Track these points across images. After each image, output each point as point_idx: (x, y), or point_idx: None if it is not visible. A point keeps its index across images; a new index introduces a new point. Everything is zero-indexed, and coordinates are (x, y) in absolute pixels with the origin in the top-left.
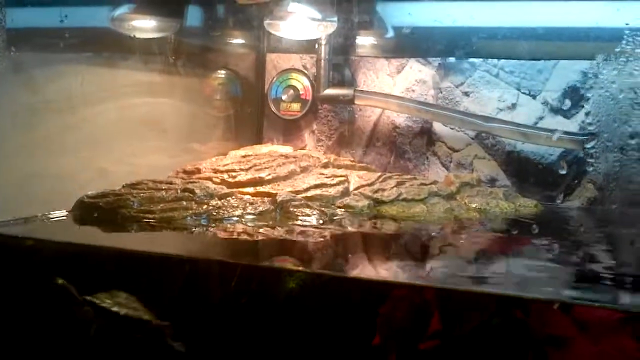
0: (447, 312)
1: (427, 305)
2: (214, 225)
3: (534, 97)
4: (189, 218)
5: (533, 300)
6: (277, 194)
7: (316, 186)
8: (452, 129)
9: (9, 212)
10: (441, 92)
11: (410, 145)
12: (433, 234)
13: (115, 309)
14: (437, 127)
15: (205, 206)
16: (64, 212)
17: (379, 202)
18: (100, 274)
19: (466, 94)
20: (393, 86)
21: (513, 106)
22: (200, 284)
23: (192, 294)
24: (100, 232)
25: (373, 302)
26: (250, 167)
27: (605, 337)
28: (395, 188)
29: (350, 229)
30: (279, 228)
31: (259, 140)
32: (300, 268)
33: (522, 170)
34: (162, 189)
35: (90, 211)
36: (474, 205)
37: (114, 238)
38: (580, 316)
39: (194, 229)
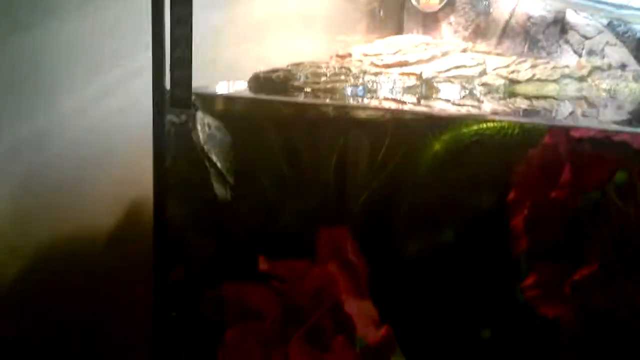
0: (578, 165)
1: (559, 159)
2: (369, 95)
3: None
4: (347, 89)
5: None
6: (422, 72)
7: (456, 67)
8: (584, 17)
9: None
10: None
11: (543, 34)
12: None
13: None
14: (570, 16)
15: (360, 80)
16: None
17: (514, 82)
18: None
19: None
20: None
21: None
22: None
23: None
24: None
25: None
26: (396, 52)
27: None
28: (529, 69)
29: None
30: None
31: (399, 32)
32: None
33: None
34: (322, 67)
35: (264, 84)
36: (604, 87)
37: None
38: None
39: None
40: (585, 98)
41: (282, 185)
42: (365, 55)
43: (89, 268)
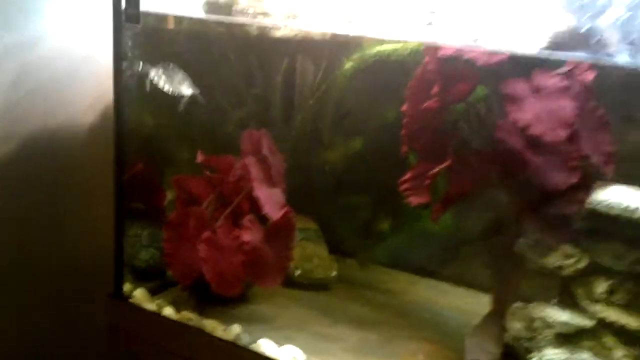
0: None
1: (432, 75)
2: None
3: None
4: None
5: None
6: None
7: None
8: None
9: None
10: None
11: None
12: None
13: None
14: None
15: None
16: None
17: None
18: None
19: None
20: None
21: None
22: None
23: None
24: None
25: None
26: None
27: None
28: None
29: None
30: None
31: None
32: None
33: None
34: None
35: (214, 7)
36: None
37: None
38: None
39: None
40: None
41: (226, 95)
42: None
43: (73, 152)
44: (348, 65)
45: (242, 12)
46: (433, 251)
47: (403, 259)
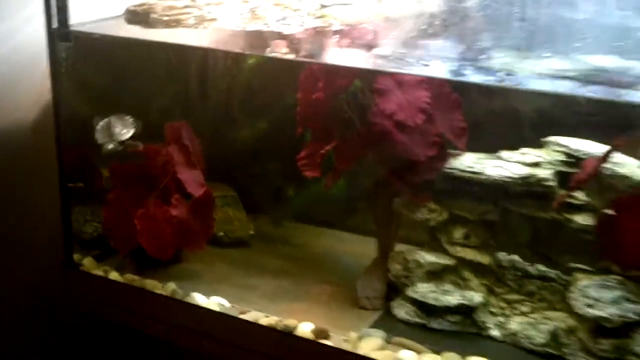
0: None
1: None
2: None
3: None
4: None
5: None
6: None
7: None
8: None
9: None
10: None
11: None
12: None
13: None
14: None
15: (202, 11)
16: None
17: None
18: None
19: None
20: None
21: None
22: None
23: None
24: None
25: None
26: None
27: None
28: None
29: None
30: None
31: None
32: None
33: None
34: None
35: (133, 16)
36: None
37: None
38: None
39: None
40: None
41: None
42: None
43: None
44: (251, 60)
45: (159, 20)
46: (334, 207)
47: (309, 215)
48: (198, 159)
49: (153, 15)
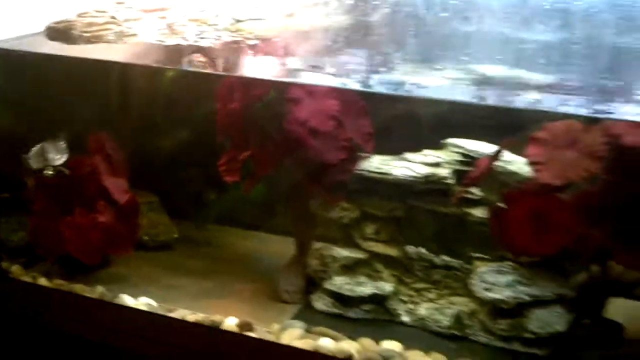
0: (243, 85)
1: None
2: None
3: None
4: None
5: None
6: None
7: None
8: None
9: None
10: None
11: None
12: None
13: None
14: None
15: (122, 27)
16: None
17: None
18: None
19: None
20: None
21: None
22: None
23: None
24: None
25: None
26: None
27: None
28: None
29: None
30: None
31: None
32: None
33: None
34: (99, 15)
35: (54, 32)
36: None
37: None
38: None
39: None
40: None
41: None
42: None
43: None
44: (171, 72)
45: (80, 37)
46: (254, 210)
47: (231, 219)
48: (122, 168)
49: (74, 32)
